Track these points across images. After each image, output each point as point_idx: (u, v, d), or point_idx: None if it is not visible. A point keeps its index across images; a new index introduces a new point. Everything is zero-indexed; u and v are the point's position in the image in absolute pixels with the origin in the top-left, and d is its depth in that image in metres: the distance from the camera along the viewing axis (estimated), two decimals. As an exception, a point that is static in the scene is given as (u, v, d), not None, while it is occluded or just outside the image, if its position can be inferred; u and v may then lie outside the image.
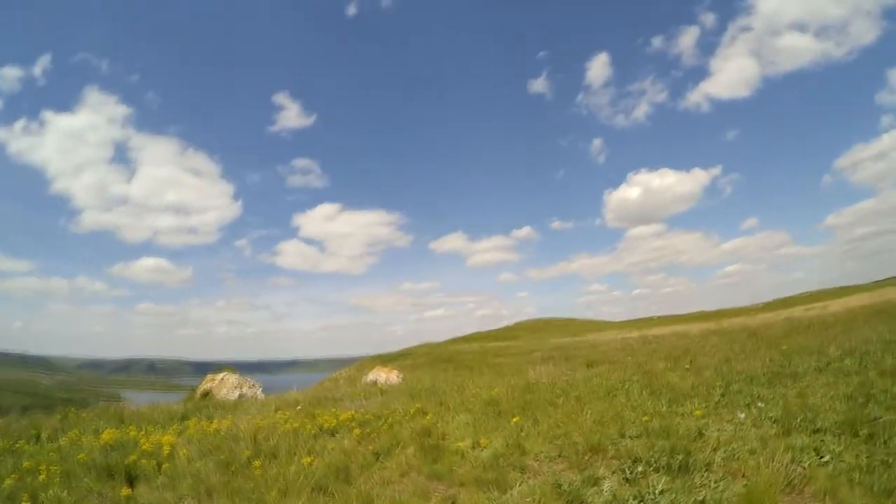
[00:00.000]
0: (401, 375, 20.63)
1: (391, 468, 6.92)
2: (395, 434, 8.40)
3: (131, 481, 6.46)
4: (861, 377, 9.35)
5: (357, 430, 8.50)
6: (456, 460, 6.95)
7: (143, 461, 6.93)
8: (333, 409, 10.72)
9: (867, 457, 5.64)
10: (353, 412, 10.19)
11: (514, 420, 8.52)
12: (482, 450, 7.29)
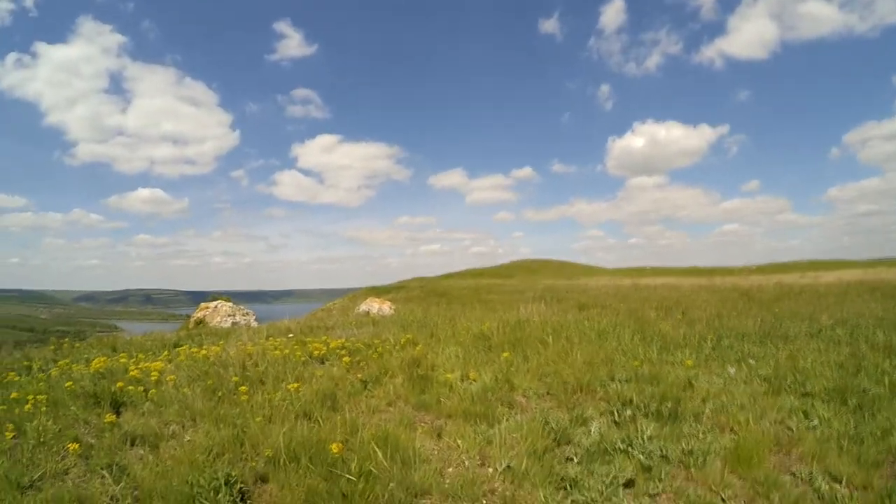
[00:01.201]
0: (393, 307, 20.77)
1: (379, 397, 6.96)
2: (384, 363, 8.43)
3: (118, 408, 6.44)
4: (852, 348, 9.43)
5: (346, 358, 8.50)
6: (444, 392, 6.99)
7: (131, 388, 6.82)
8: (324, 337, 10.74)
9: (856, 427, 5.72)
10: (343, 340, 10.20)
11: (504, 355, 8.56)
12: (471, 383, 7.34)
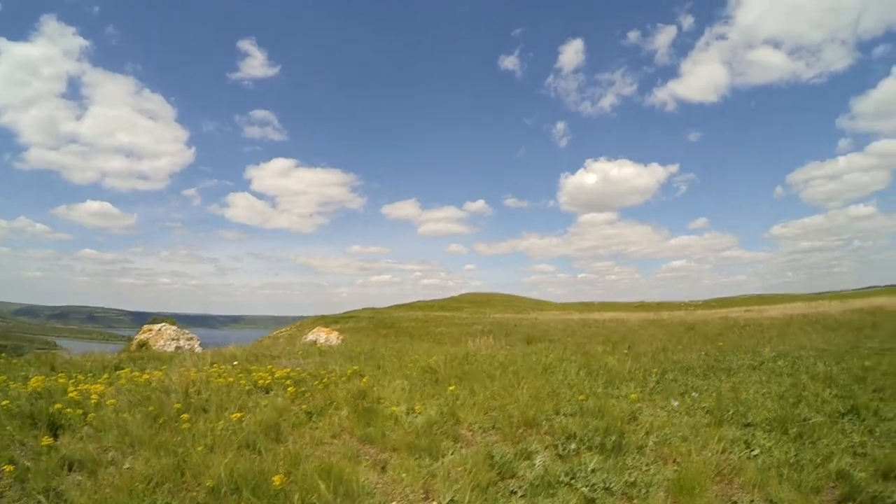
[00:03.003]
0: (341, 337, 20.65)
1: (323, 428, 6.89)
2: (329, 394, 8.36)
3: (55, 430, 6.26)
4: (793, 379, 9.80)
5: (291, 388, 8.41)
6: (389, 425, 6.96)
7: (69, 410, 6.65)
8: (270, 366, 10.61)
9: (796, 454, 5.89)
10: (289, 370, 10.09)
11: (451, 389, 8.58)
12: (416, 416, 7.31)
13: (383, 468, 5.67)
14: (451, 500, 4.81)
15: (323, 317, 49.05)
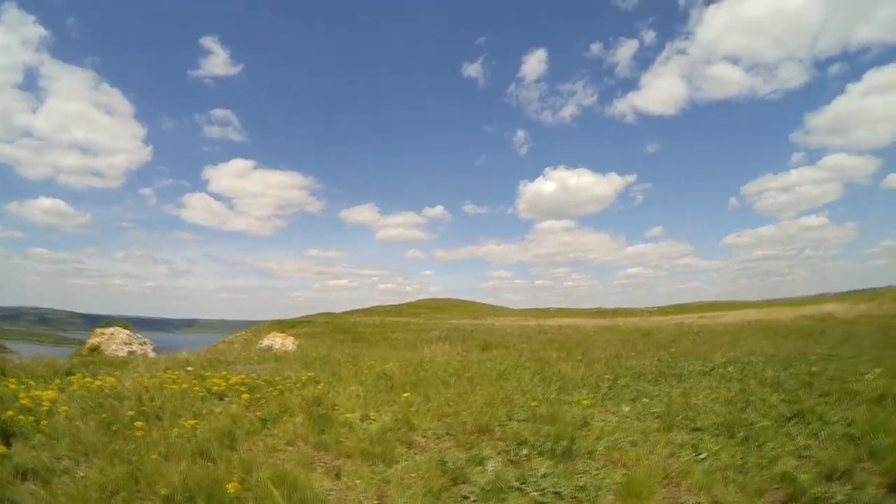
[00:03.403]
0: (297, 342, 20.48)
1: (278, 436, 6.83)
2: (284, 401, 8.29)
3: (7, 438, 6.10)
4: (742, 384, 10.04)
5: (246, 395, 8.33)
6: (344, 432, 6.93)
7: (21, 417, 6.51)
8: (224, 373, 10.47)
9: (742, 458, 6.04)
10: (243, 376, 9.98)
11: (405, 395, 8.62)
12: (371, 423, 7.31)
13: (337, 475, 5.65)
14: None
15: (279, 321, 48.61)
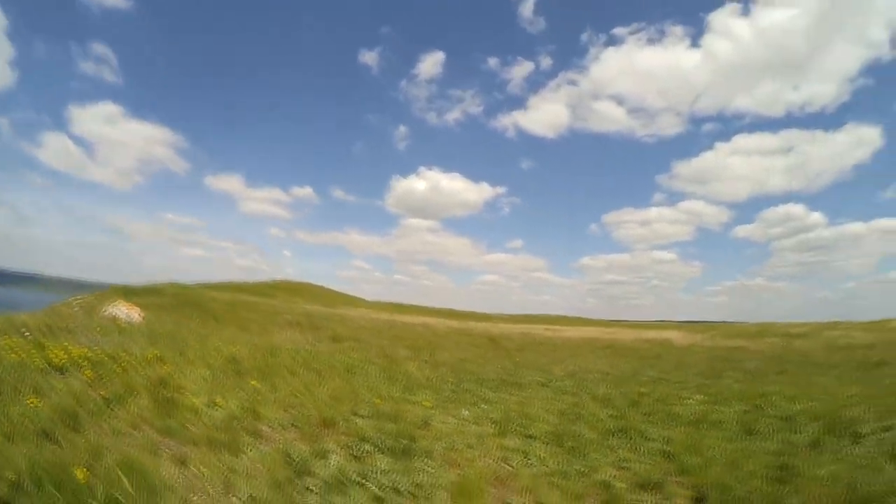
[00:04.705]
0: (143, 314, 19.55)
1: (123, 418, 6.67)
2: (129, 381, 8.04)
3: None
4: (576, 398, 10.88)
5: (89, 372, 7.99)
6: (190, 417, 6.91)
7: None
8: (66, 343, 9.93)
9: (567, 465, 6.67)
10: (86, 349, 9.47)
11: (253, 383, 8.71)
12: (217, 409, 7.34)
13: (184, 462, 5.66)
14: (250, 496, 4.96)
15: (125, 287, 45.71)
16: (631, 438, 8.15)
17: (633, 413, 9.76)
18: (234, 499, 4.98)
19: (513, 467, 6.49)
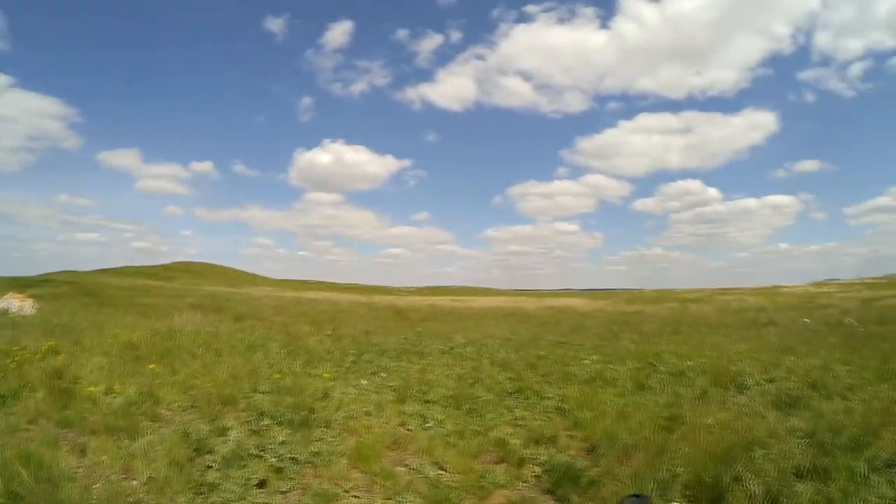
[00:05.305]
0: (36, 305, 18.73)
1: (19, 414, 6.46)
2: (24, 375, 7.78)
3: None
4: (476, 363, 11.25)
5: None
6: (88, 406, 6.74)
7: None
8: None
9: (464, 426, 6.94)
10: None
11: (151, 367, 8.59)
12: (115, 396, 7.18)
13: (83, 451, 5.56)
14: (150, 477, 4.95)
15: (17, 279, 43.55)
16: (527, 398, 8.53)
17: (530, 375, 10.18)
18: (133, 482, 4.96)
19: (411, 431, 6.70)
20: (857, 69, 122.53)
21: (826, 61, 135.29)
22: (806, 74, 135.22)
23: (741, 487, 4.80)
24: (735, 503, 4.59)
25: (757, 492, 4.74)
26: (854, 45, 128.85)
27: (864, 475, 5.00)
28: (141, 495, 4.71)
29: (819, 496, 4.65)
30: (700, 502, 4.84)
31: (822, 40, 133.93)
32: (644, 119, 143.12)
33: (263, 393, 7.89)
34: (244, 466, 5.36)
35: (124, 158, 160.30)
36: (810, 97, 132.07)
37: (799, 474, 5.18)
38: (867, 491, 4.67)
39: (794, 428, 6.56)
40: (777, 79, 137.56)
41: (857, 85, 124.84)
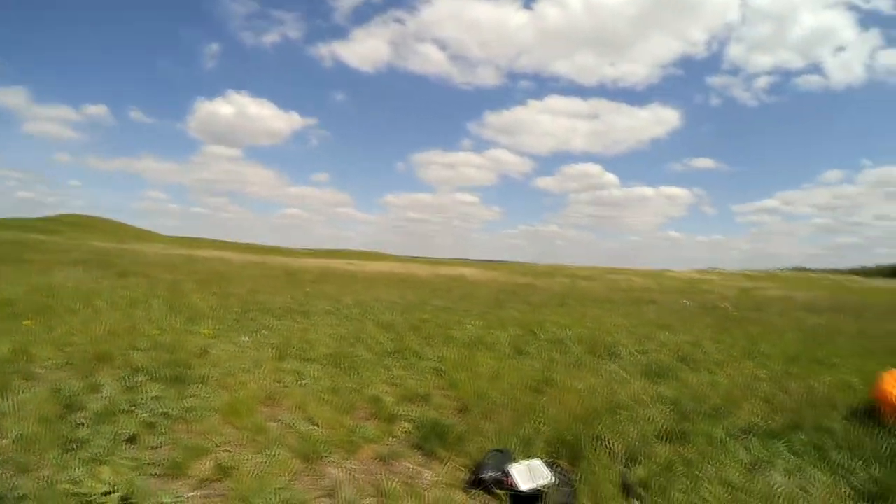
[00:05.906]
0: None
1: None
2: None
3: None
4: (359, 324, 11.46)
5: None
6: (-44, 369, 6.58)
7: None
8: None
9: (340, 383, 7.16)
10: None
11: (27, 324, 8.46)
12: (-12, 356, 7.02)
13: None
14: (19, 434, 4.91)
15: None
16: (406, 359, 8.81)
17: (412, 336, 10.46)
18: (3, 441, 4.92)
19: (287, 387, 6.86)
20: (762, 82, 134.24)
21: (735, 71, 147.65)
22: (714, 80, 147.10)
23: (602, 446, 5.27)
24: (594, 460, 5.01)
25: (617, 450, 5.23)
26: (764, 61, 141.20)
27: (722, 441, 5.63)
28: (10, 454, 4.70)
29: (677, 457, 5.17)
30: (561, 458, 5.27)
31: (734, 51, 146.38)
32: (554, 101, 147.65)
33: (141, 350, 7.83)
34: (115, 422, 5.38)
35: (9, 97, 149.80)
36: (715, 101, 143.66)
37: (660, 437, 5.73)
38: (724, 455, 5.25)
39: (660, 395, 7.20)
40: (686, 80, 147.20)
41: (760, 96, 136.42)
